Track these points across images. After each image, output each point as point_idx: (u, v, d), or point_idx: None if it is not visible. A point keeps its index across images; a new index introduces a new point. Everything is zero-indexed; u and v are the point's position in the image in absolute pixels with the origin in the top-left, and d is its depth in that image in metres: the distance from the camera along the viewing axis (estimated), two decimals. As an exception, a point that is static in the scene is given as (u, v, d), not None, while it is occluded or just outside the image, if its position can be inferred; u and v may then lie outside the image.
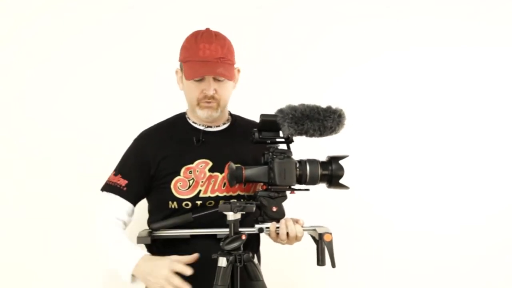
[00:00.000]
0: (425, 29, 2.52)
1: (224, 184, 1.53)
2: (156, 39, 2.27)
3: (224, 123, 1.62)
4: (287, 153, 1.43)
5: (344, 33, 2.47)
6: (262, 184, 1.52)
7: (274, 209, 1.42)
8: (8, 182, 2.17)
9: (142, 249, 1.46)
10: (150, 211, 1.62)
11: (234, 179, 1.40)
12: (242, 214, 1.36)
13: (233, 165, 1.41)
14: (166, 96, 2.20)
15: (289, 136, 1.44)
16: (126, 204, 1.52)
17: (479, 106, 2.56)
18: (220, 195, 1.53)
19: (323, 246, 1.40)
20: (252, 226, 1.54)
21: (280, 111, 1.40)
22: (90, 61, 2.23)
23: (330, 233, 1.39)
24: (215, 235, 1.43)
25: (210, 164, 1.53)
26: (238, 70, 1.61)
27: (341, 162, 1.45)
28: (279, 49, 2.40)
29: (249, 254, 1.37)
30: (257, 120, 1.69)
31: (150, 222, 1.59)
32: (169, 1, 2.31)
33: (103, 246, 1.50)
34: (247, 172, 1.41)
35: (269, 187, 1.42)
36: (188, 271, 1.34)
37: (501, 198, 2.56)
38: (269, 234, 1.47)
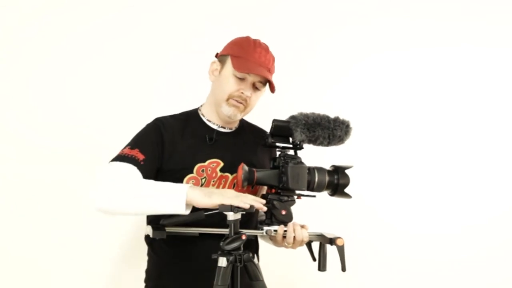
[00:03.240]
0: (425, 29, 2.52)
1: (234, 185, 1.55)
2: (156, 38, 2.27)
3: (235, 127, 1.64)
4: (298, 158, 1.46)
5: (345, 33, 2.47)
6: (267, 187, 1.53)
7: (283, 212, 1.45)
8: (7, 185, 2.17)
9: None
10: None
11: (246, 180, 1.42)
12: (244, 215, 1.34)
13: (246, 167, 1.43)
14: (167, 95, 2.21)
15: (300, 142, 1.47)
16: (140, 177, 1.41)
17: (480, 108, 2.56)
18: None
19: (325, 252, 1.45)
20: (255, 228, 1.55)
21: (293, 117, 1.45)
22: (90, 60, 2.23)
23: (342, 238, 1.43)
24: (222, 235, 1.39)
25: (222, 164, 1.53)
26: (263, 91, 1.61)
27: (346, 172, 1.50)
28: (279, 49, 2.40)
29: (249, 254, 1.37)
30: (258, 124, 1.71)
31: (153, 218, 1.55)
32: (170, 0, 2.31)
33: (134, 192, 1.34)
34: (259, 174, 1.44)
35: (279, 190, 1.45)
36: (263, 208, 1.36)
37: (503, 199, 2.55)
38: (273, 238, 1.48)
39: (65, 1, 2.22)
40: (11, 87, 2.18)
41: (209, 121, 1.60)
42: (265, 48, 1.55)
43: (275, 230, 1.44)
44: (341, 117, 1.47)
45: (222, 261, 1.33)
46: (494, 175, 2.55)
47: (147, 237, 1.58)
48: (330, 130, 1.43)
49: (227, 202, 1.29)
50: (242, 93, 1.51)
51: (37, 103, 2.18)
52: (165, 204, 1.32)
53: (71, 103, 2.21)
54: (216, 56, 1.60)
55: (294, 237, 1.44)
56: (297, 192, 1.47)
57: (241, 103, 1.52)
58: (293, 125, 1.43)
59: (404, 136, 2.51)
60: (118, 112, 2.21)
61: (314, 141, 1.44)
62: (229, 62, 1.52)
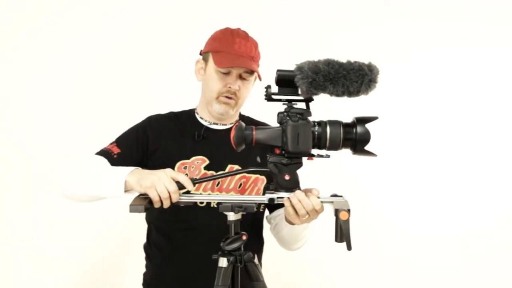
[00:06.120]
0: (425, 30, 2.52)
1: (218, 183, 1.50)
2: (156, 38, 2.28)
3: (231, 123, 1.58)
4: (305, 114, 1.22)
5: (344, 34, 2.47)
6: (257, 189, 1.48)
7: (287, 177, 1.24)
8: (7, 184, 2.17)
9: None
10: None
11: (243, 141, 1.22)
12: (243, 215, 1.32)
13: (243, 124, 1.24)
14: (166, 95, 2.21)
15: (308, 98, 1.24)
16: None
17: (481, 108, 2.56)
18: (212, 194, 1.50)
19: (343, 221, 1.19)
20: (257, 230, 1.53)
21: (300, 69, 1.16)
22: (90, 60, 2.23)
23: (347, 211, 1.17)
24: (216, 239, 1.32)
25: (207, 162, 1.50)
26: (255, 78, 1.55)
27: (368, 125, 1.27)
28: (279, 49, 2.40)
29: (249, 254, 1.35)
30: (266, 121, 1.64)
31: (147, 216, 1.58)
32: (170, 0, 2.31)
33: (83, 171, 1.33)
34: (258, 134, 1.22)
35: (283, 151, 1.24)
36: (190, 186, 1.22)
37: (505, 200, 2.55)
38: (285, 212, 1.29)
39: (65, 1, 2.23)
40: (11, 87, 2.18)
41: (202, 118, 1.57)
42: (244, 37, 1.49)
43: (280, 197, 1.24)
44: (366, 63, 1.21)
45: (223, 262, 1.32)
46: (495, 176, 2.55)
47: (144, 246, 1.62)
48: (344, 88, 1.14)
49: (138, 190, 1.20)
50: (229, 87, 1.47)
51: (37, 103, 2.19)
52: (105, 189, 1.26)
53: (71, 103, 2.21)
54: (200, 53, 1.57)
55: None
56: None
57: (231, 98, 1.48)
58: (298, 80, 1.15)
59: (405, 138, 2.51)
60: (118, 112, 2.21)
61: (329, 93, 1.17)
62: (211, 59, 1.49)
